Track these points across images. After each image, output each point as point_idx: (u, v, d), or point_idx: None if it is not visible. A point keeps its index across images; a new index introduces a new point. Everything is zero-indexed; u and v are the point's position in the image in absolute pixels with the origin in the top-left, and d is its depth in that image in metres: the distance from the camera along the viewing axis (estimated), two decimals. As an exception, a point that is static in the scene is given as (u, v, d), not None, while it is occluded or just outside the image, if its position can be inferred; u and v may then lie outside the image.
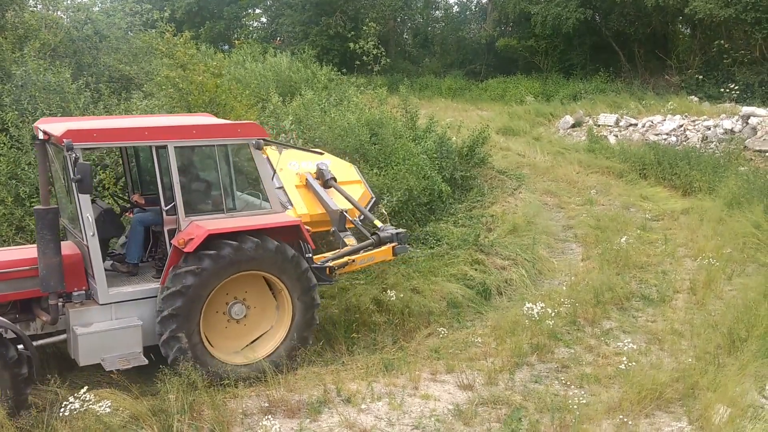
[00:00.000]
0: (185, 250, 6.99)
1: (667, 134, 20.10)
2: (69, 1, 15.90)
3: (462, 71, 35.69)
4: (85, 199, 6.82)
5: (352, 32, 32.01)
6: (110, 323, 7.06)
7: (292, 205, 8.98)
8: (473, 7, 41.59)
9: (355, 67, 26.14)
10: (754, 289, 9.53)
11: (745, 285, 10.04)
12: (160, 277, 7.36)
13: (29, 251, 7.11)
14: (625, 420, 6.48)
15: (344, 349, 8.45)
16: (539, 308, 8.57)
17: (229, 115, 11.29)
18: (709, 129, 19.24)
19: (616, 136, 21.42)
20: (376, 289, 9.64)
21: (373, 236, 8.97)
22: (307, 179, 9.33)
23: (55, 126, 7.08)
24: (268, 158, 9.13)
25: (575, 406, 6.59)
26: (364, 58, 24.82)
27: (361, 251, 8.77)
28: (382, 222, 9.54)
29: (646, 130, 20.88)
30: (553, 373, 7.83)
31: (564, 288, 10.36)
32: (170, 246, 7.24)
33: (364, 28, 27.92)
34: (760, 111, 18.58)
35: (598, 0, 28.30)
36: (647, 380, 7.02)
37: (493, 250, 11.74)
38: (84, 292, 7.14)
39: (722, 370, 7.38)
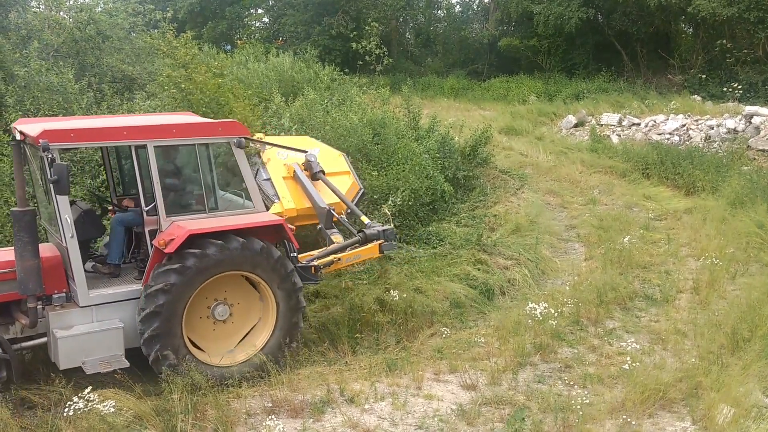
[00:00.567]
0: (166, 251, 6.90)
1: (670, 134, 20.07)
2: (72, 2, 15.93)
3: (464, 71, 35.63)
4: (63, 201, 6.72)
5: (355, 32, 32.00)
6: (91, 326, 6.95)
7: (279, 198, 8.85)
8: (475, 7, 41.55)
9: (358, 67, 26.13)
10: (757, 289, 9.53)
11: (749, 285, 10.03)
12: (142, 279, 7.26)
13: (7, 254, 7.00)
14: (629, 420, 6.48)
15: (347, 349, 8.44)
16: (542, 308, 8.57)
17: (228, 115, 11.26)
18: (712, 128, 19.21)
19: (619, 136, 21.40)
20: (380, 289, 9.64)
21: (359, 233, 8.82)
22: (295, 171, 9.11)
23: (31, 126, 6.97)
24: (258, 153, 9.05)
25: (578, 406, 6.59)
26: (367, 57, 24.84)
27: (347, 249, 8.64)
28: (386, 221, 9.51)
29: (649, 130, 20.85)
30: (557, 373, 7.82)
31: (567, 288, 10.37)
32: (152, 247, 7.15)
33: (367, 27, 27.92)
34: (764, 110, 18.55)
35: (600, -1, 28.31)
36: (650, 380, 7.02)
37: (496, 249, 11.74)
38: (64, 294, 7.04)
39: (726, 370, 7.38)
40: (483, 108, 27.87)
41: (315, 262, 8.28)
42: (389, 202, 11.56)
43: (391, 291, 9.44)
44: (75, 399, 6.12)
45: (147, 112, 11.31)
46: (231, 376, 7.32)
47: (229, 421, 6.46)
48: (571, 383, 7.50)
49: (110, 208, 8.43)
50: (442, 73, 35.13)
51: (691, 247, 12.38)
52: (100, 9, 16.42)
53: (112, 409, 6.12)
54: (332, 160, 9.64)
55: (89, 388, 6.29)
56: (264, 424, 6.31)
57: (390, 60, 30.61)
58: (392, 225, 10.73)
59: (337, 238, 8.75)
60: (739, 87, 22.89)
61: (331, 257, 8.44)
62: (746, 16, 23.19)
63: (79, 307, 6.95)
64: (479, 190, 15.06)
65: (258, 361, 7.47)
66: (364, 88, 18.50)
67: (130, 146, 7.11)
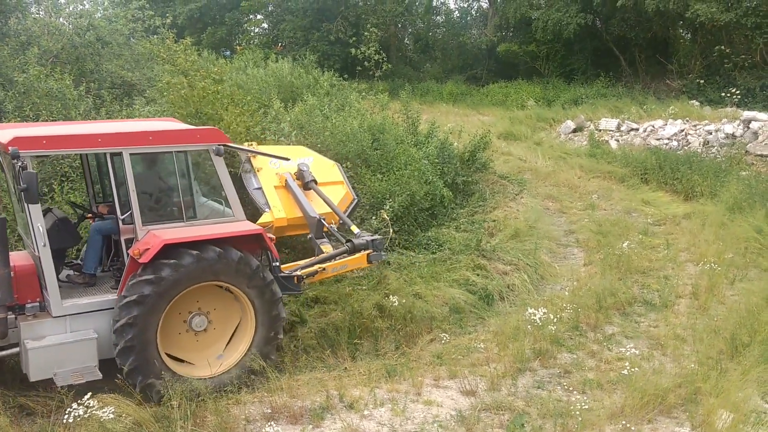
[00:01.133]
0: (140, 260, 6.74)
1: (668, 139, 20.11)
2: (71, 8, 15.96)
3: (463, 76, 35.71)
4: (34, 209, 6.55)
5: (354, 38, 32.11)
6: (64, 336, 6.78)
7: (270, 207, 8.78)
8: (474, 13, 41.69)
9: (357, 73, 26.23)
10: (756, 294, 9.54)
11: (748, 290, 10.05)
12: (118, 288, 7.10)
13: None
14: (628, 425, 6.48)
15: (347, 354, 8.43)
16: (541, 313, 8.56)
17: (219, 123, 11.19)
18: (711, 133, 19.25)
19: (618, 141, 21.43)
20: (379, 295, 9.63)
21: (348, 243, 8.71)
22: (287, 180, 9.03)
23: (3, 133, 6.78)
24: (249, 159, 8.96)
25: (578, 412, 6.59)
26: (366, 63, 24.91)
27: (335, 259, 8.55)
28: (385, 226, 9.49)
29: (648, 135, 20.89)
30: (556, 379, 7.82)
31: (566, 293, 10.37)
32: (128, 256, 7.00)
33: (366, 33, 28.05)
34: (762, 115, 18.59)
35: (598, 5, 28.32)
36: (650, 386, 7.02)
37: (495, 255, 11.74)
38: (38, 303, 6.86)
39: (725, 375, 7.38)
40: (482, 113, 27.93)
41: (298, 272, 8.14)
42: (387, 207, 11.56)
43: (391, 296, 9.44)
44: (74, 405, 6.10)
45: (146, 117, 11.29)
46: (221, 384, 7.21)
47: (228, 428, 6.46)
48: (571, 389, 7.50)
49: (88, 215, 8.25)
50: (441, 79, 35.21)
51: (689, 253, 12.39)
52: (99, 15, 16.48)
53: (112, 416, 6.09)
54: (325, 169, 9.57)
55: (89, 394, 6.28)
56: (263, 430, 6.31)
57: (389, 65, 30.74)
58: (391, 230, 10.74)
59: (327, 248, 8.66)
60: (737, 92, 22.95)
61: (316, 267, 8.35)
62: (744, 22, 23.26)
63: (52, 317, 6.79)
64: (478, 196, 15.06)
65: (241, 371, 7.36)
66: (363, 94, 18.55)
67: (104, 154, 6.93)
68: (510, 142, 22.33)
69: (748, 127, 18.41)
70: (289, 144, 11.64)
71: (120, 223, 7.15)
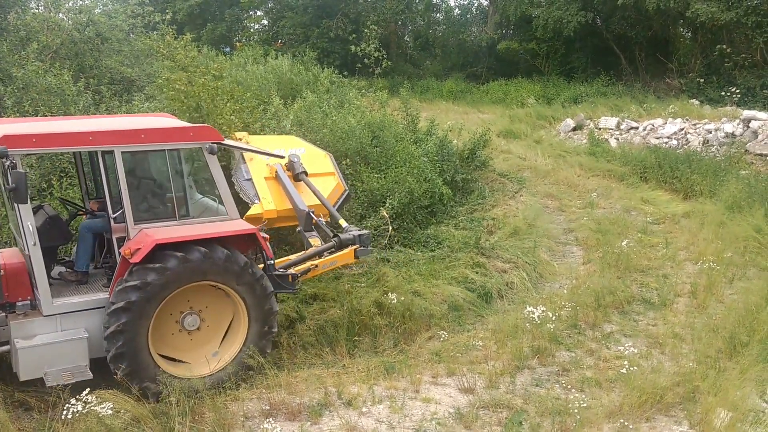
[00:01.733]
0: (132, 260, 6.64)
1: (668, 138, 20.10)
2: (71, 3, 15.94)
3: (463, 74, 35.68)
4: (24, 208, 6.46)
5: (353, 35, 32.05)
6: (54, 335, 6.70)
7: (259, 199, 8.73)
8: (474, 10, 41.63)
9: (357, 70, 26.18)
10: (755, 293, 9.53)
11: (746, 289, 10.05)
12: (109, 287, 7.02)
13: None
14: (626, 424, 6.49)
15: (345, 351, 8.43)
16: (540, 311, 8.57)
17: (217, 118, 11.16)
18: (710, 132, 19.25)
19: (617, 140, 21.42)
20: (377, 292, 9.63)
21: (335, 238, 8.64)
22: (277, 172, 8.97)
23: None
24: (241, 153, 8.92)
25: (576, 410, 6.60)
26: (366, 60, 24.87)
27: (324, 254, 8.52)
28: (385, 224, 9.46)
29: (647, 134, 20.88)
30: (554, 377, 7.83)
31: (565, 291, 10.37)
32: (119, 255, 6.90)
33: (365, 30, 27.98)
34: (761, 115, 18.57)
35: (599, 3, 28.29)
36: (648, 384, 7.02)
37: (494, 253, 11.74)
38: (29, 302, 6.79)
39: (723, 374, 7.38)
40: (481, 111, 27.92)
41: (292, 270, 8.10)
42: (387, 205, 11.56)
43: (389, 294, 9.43)
44: (73, 401, 6.10)
45: (141, 113, 11.27)
46: (218, 381, 7.17)
47: (226, 424, 6.46)
48: (569, 387, 7.50)
49: (81, 212, 8.17)
50: (441, 76, 35.18)
51: (688, 251, 12.40)
52: (99, 11, 16.44)
53: (110, 412, 6.09)
54: (317, 160, 9.50)
55: (87, 389, 6.28)
56: (261, 427, 6.31)
57: (389, 63, 30.70)
58: (391, 227, 10.74)
59: (315, 242, 8.62)
60: (737, 91, 22.94)
61: (308, 264, 8.32)
62: (744, 21, 23.25)
63: (43, 315, 6.70)
64: (477, 193, 15.06)
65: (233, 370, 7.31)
66: (363, 91, 18.54)
67: (96, 152, 6.83)
68: (509, 140, 22.31)
69: (748, 127, 18.40)
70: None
71: (111, 221, 7.06)
